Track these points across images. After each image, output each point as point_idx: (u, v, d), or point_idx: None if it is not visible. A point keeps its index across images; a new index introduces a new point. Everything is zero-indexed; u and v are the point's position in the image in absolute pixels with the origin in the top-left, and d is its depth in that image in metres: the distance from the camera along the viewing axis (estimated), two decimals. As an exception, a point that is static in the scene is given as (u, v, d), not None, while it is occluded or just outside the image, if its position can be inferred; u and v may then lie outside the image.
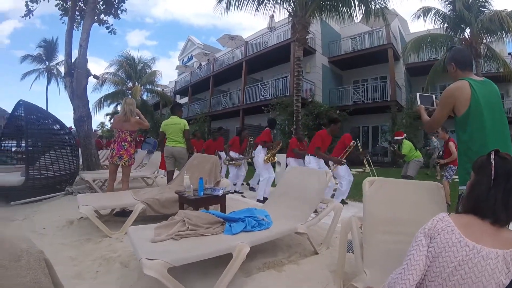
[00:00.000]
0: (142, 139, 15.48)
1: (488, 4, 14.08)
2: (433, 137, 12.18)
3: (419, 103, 2.70)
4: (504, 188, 1.32)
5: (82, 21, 9.34)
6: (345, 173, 6.23)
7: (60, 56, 33.07)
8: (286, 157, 7.24)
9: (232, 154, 8.12)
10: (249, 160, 8.44)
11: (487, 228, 1.30)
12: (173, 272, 2.06)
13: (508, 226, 1.38)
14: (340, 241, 2.60)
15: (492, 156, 1.39)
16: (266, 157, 7.07)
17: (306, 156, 6.31)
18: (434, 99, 2.71)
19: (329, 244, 3.38)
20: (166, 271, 1.99)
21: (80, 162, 7.63)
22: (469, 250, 1.23)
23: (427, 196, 2.44)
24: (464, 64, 2.32)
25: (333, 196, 6.06)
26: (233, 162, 7.94)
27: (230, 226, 2.83)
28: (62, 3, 10.12)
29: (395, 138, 7.60)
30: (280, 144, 7.44)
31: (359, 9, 10.56)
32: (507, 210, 1.30)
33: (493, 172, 1.35)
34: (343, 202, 5.95)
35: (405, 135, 7.76)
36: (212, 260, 2.38)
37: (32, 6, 9.73)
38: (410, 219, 2.28)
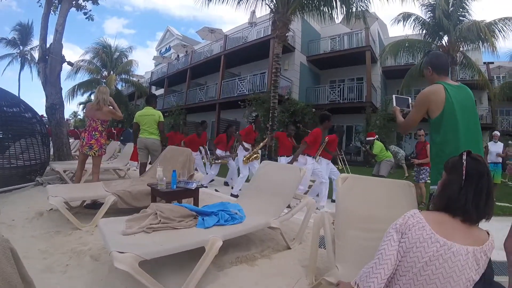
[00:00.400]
0: (120, 131, 15.22)
1: (468, 14, 14.53)
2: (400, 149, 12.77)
3: (395, 104, 2.75)
4: (475, 188, 1.37)
5: (60, 5, 9.02)
6: (325, 173, 6.19)
7: (35, 41, 31.74)
8: (278, 155, 7.28)
9: (219, 152, 8.01)
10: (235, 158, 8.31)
11: (458, 225, 1.35)
12: (145, 265, 2.03)
13: (478, 224, 1.43)
14: (312, 237, 2.64)
15: (464, 157, 1.43)
16: (246, 156, 7.04)
17: (302, 157, 5.96)
18: (410, 101, 2.77)
19: (301, 239, 3.43)
20: (137, 264, 1.96)
21: (51, 152, 7.39)
22: (440, 246, 1.27)
23: (398, 194, 2.52)
24: (440, 69, 2.39)
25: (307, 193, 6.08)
26: (219, 160, 7.86)
27: (203, 219, 2.81)
28: (40, -16, 9.73)
29: (367, 138, 7.80)
30: (266, 141, 7.54)
31: (341, 10, 10.65)
32: (477, 209, 1.35)
33: (464, 172, 1.40)
34: None
35: (377, 136, 7.96)
36: (185, 254, 2.37)
37: None
38: (381, 216, 2.34)
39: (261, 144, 7.26)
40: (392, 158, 7.44)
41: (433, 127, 2.28)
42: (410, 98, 2.84)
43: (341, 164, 7.51)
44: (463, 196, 1.36)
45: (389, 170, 7.30)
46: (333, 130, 6.79)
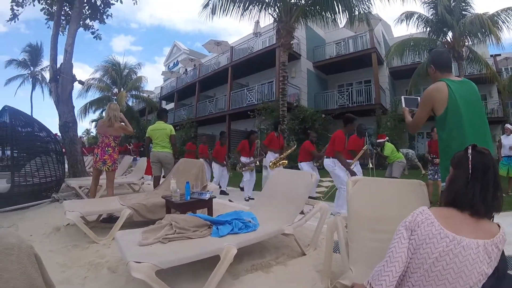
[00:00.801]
0: (141, 148, 15.40)
1: (470, 8, 14.37)
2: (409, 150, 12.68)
3: (404, 105, 2.77)
4: (482, 182, 1.37)
5: (68, 26, 9.27)
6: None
7: (45, 62, 32.79)
8: (298, 162, 7.17)
9: (243, 159, 7.92)
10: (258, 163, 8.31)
11: (467, 219, 1.35)
12: (161, 274, 2.07)
13: (491, 218, 1.44)
14: (326, 241, 2.64)
15: (469, 151, 1.44)
16: (272, 161, 6.98)
17: (326, 159, 5.78)
18: (419, 101, 2.78)
19: (316, 245, 3.41)
20: (154, 273, 2.00)
21: (66, 169, 7.54)
22: (449, 241, 1.27)
23: (410, 194, 2.51)
24: (443, 66, 2.41)
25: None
26: (246, 167, 7.74)
27: (217, 228, 2.84)
28: (47, 7, 10.03)
29: (378, 140, 7.78)
30: (294, 148, 7.35)
31: (343, 14, 10.69)
32: (485, 202, 1.35)
33: (470, 166, 1.40)
34: None
35: (387, 138, 7.93)
36: (200, 263, 2.40)
37: (18, 10, 9.67)
38: (393, 217, 2.32)
39: (289, 151, 7.13)
40: (403, 159, 7.43)
41: (439, 124, 2.30)
42: (419, 98, 2.83)
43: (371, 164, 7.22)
44: (470, 190, 1.37)
45: (401, 171, 7.32)
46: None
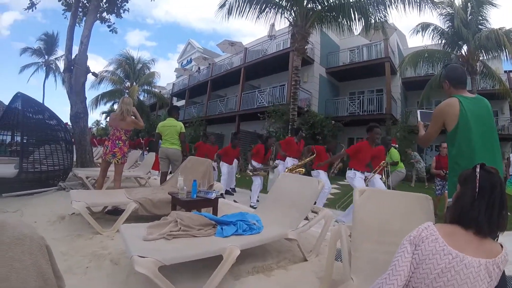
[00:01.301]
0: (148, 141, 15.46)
1: (486, 22, 14.28)
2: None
3: (419, 119, 2.77)
4: (488, 201, 1.37)
5: (85, 17, 9.37)
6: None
7: (60, 51, 33.14)
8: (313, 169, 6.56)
9: (255, 164, 7.54)
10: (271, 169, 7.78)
11: (470, 238, 1.35)
12: (163, 271, 2.08)
13: (495, 237, 1.43)
14: (329, 249, 2.64)
15: (477, 169, 1.45)
16: (288, 168, 6.56)
17: (350, 171, 5.52)
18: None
19: (318, 252, 3.41)
20: (157, 269, 2.02)
21: (74, 159, 7.62)
22: (452, 258, 1.27)
23: (415, 207, 2.50)
24: (457, 82, 2.41)
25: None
26: (256, 172, 7.32)
27: (221, 229, 2.86)
28: (65, -2, 10.15)
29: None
30: (313, 156, 6.64)
31: (359, 22, 10.68)
32: (490, 221, 1.35)
33: (477, 184, 1.41)
34: None
35: (396, 145, 7.98)
36: (203, 262, 2.42)
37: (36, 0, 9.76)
38: (398, 230, 2.32)
39: (307, 158, 6.58)
40: (403, 169, 7.48)
41: (449, 140, 2.31)
42: None
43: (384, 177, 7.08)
44: (476, 208, 1.37)
45: (398, 181, 7.35)
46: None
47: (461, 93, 2.35)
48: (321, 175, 6.23)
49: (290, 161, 6.71)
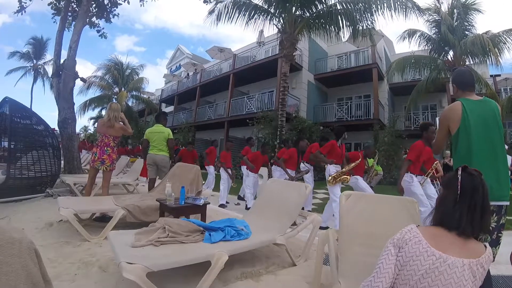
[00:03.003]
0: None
1: (472, 28, 14.55)
2: None
3: (437, 127, 2.80)
4: (470, 203, 1.41)
5: (74, 22, 9.33)
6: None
7: (48, 56, 32.92)
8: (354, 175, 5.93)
9: (290, 172, 6.63)
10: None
11: (454, 239, 1.39)
12: (152, 277, 2.09)
13: (478, 237, 1.48)
14: (317, 253, 2.67)
15: (459, 172, 1.49)
16: (332, 176, 5.60)
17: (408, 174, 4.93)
18: None
19: (307, 256, 3.44)
20: (145, 275, 2.03)
21: (62, 165, 7.54)
22: (436, 259, 1.31)
23: (401, 211, 2.55)
24: (465, 85, 2.45)
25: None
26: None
27: (209, 235, 2.87)
28: (55, 2, 10.13)
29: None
30: (357, 161, 5.93)
31: (347, 29, 10.83)
32: (472, 223, 1.39)
33: (459, 187, 1.45)
34: None
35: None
36: (191, 268, 2.43)
37: (26, 3, 9.73)
38: (384, 233, 2.34)
39: (352, 164, 5.85)
40: (381, 171, 8.46)
41: (453, 144, 2.34)
42: None
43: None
44: (457, 211, 1.41)
45: (377, 181, 8.06)
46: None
47: (468, 96, 2.38)
48: (360, 182, 5.91)
49: (332, 168, 5.81)
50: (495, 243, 2.14)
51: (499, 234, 2.16)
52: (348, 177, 5.68)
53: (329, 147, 5.81)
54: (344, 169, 5.67)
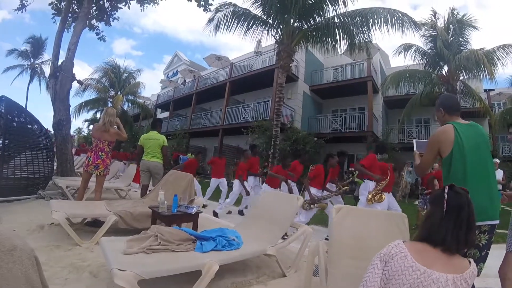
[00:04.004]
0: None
1: (467, 43, 14.73)
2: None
3: (415, 149, 2.83)
4: (455, 220, 1.47)
5: (74, 24, 9.36)
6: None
7: (46, 55, 32.78)
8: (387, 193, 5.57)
9: (314, 191, 5.88)
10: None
11: (439, 254, 1.43)
12: (143, 285, 2.10)
13: (464, 253, 1.52)
14: (306, 265, 2.70)
15: (446, 190, 1.54)
16: (371, 193, 5.40)
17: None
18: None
19: (297, 268, 3.46)
20: (136, 282, 2.04)
21: (55, 167, 7.51)
22: (420, 274, 1.36)
23: (391, 225, 2.60)
24: (452, 109, 2.50)
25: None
26: (316, 205, 5.80)
27: (201, 244, 2.89)
28: (56, 2, 10.18)
29: (350, 168, 8.10)
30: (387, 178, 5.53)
31: (344, 41, 10.96)
32: (458, 240, 1.44)
33: (445, 204, 1.50)
34: None
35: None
36: (182, 276, 2.44)
37: (27, 1, 9.76)
38: (374, 246, 2.39)
39: (384, 182, 5.42)
40: None
41: (444, 165, 2.36)
42: None
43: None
44: (443, 228, 1.46)
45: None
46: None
47: (455, 120, 2.43)
48: (392, 201, 5.68)
49: (371, 184, 5.47)
50: (483, 259, 2.20)
51: (488, 251, 2.21)
52: (383, 195, 5.41)
53: (371, 161, 5.59)
54: (379, 186, 5.42)
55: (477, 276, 1.55)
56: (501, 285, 2.34)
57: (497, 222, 2.23)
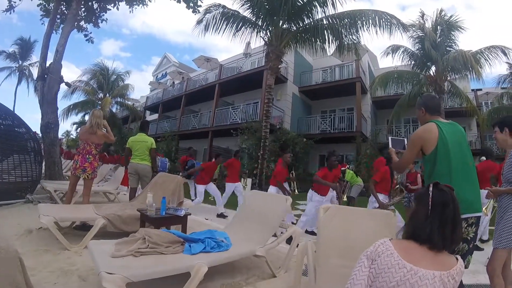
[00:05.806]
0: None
1: (454, 44, 14.91)
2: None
3: (390, 146, 2.87)
4: (441, 218, 1.49)
5: (62, 25, 9.27)
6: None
7: (34, 57, 32.30)
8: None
9: (382, 197, 5.22)
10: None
11: (425, 252, 1.45)
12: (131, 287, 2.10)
13: (452, 251, 1.55)
14: (296, 265, 2.72)
15: (430, 188, 1.57)
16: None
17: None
18: (406, 142, 2.89)
19: (287, 268, 3.47)
20: (124, 285, 2.04)
21: (43, 170, 7.42)
22: (407, 271, 1.38)
23: (379, 224, 2.63)
24: (433, 109, 2.54)
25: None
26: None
27: (189, 246, 2.89)
28: (44, 3, 10.09)
29: (342, 168, 8.31)
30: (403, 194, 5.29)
31: (333, 43, 11.04)
32: (444, 237, 1.46)
33: (430, 202, 1.52)
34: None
35: (348, 166, 9.42)
36: (171, 279, 2.44)
37: (15, 2, 9.67)
38: (361, 245, 2.41)
39: (397, 198, 5.10)
40: (361, 182, 8.67)
41: (427, 163, 2.40)
42: (405, 139, 2.95)
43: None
44: (428, 225, 1.48)
45: (358, 192, 8.45)
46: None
47: (437, 119, 2.47)
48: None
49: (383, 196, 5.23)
50: (471, 252, 2.24)
51: (475, 243, 2.27)
52: (394, 210, 5.00)
53: (383, 174, 5.25)
54: (392, 201, 5.11)
55: (466, 268, 1.58)
56: (490, 282, 2.40)
57: (481, 214, 2.30)
